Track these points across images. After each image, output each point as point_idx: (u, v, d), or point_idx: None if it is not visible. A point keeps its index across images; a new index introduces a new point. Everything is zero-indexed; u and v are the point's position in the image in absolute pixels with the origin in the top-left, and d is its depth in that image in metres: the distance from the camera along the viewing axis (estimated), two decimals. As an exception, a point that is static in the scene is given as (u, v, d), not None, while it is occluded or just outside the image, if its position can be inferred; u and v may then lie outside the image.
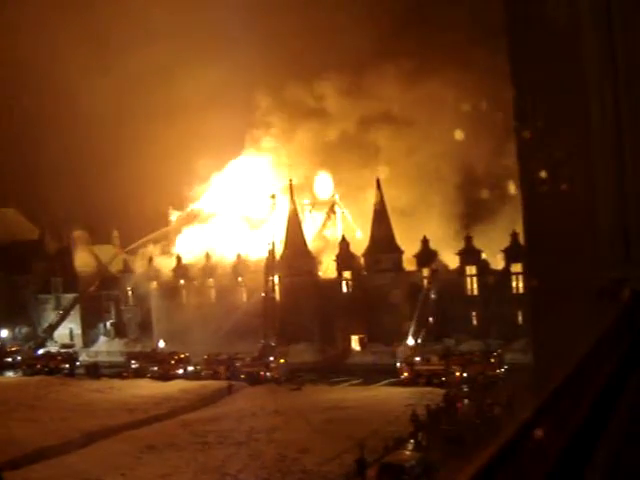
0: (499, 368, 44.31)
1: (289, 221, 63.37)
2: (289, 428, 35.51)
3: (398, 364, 47.65)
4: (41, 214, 77.71)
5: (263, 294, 56.19)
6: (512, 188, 57.93)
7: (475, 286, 57.20)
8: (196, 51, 74.63)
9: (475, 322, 56.29)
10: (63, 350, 64.07)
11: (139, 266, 70.70)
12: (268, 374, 50.17)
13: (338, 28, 69.50)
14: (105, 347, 69.21)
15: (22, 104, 79.77)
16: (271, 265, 56.66)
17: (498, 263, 56.42)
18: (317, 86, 72.61)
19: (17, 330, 73.04)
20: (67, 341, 69.77)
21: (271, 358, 51.47)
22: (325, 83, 72.08)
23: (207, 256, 67.86)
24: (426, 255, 57.88)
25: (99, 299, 72.20)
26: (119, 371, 55.61)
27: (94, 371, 55.76)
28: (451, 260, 58.15)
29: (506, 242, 53.65)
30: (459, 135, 63.50)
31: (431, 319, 52.79)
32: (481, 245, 57.03)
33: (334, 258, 61.96)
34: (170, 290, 67.58)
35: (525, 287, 47.38)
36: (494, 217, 57.69)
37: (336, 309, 59.27)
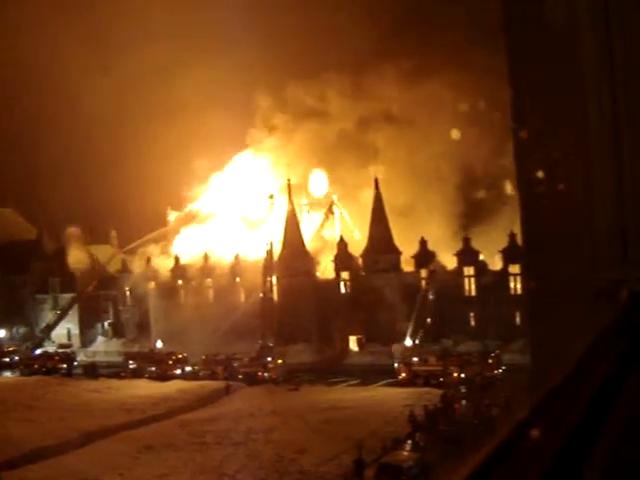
0: (497, 369, 44.32)
1: (287, 221, 63.40)
2: (287, 428, 35.50)
3: (396, 365, 47.65)
4: (39, 214, 77.73)
5: (261, 294, 56.22)
6: (510, 189, 58.10)
7: (473, 287, 57.25)
8: (195, 51, 74.69)
9: (473, 323, 56.35)
10: (61, 350, 64.05)
11: (137, 266, 70.67)
12: (266, 374, 50.15)
13: (338, 28, 69.60)
14: (103, 347, 69.15)
15: (21, 104, 79.83)
16: (269, 265, 56.67)
17: (496, 264, 56.46)
18: (316, 86, 72.67)
19: (15, 330, 72.97)
20: (65, 341, 69.75)
21: (269, 358, 51.47)
22: (324, 83, 72.15)
23: (205, 256, 67.86)
24: (424, 256, 57.91)
25: (97, 299, 72.15)
26: (117, 371, 55.57)
27: (92, 371, 55.71)
28: (449, 261, 58.20)
29: (504, 243, 53.66)
30: (458, 135, 63.56)
31: (429, 320, 52.81)
32: (479, 246, 57.08)
33: (332, 259, 62.00)
34: (168, 290, 67.57)
35: (523, 288, 47.35)
36: (492, 218, 57.76)
37: (334, 310, 59.29)
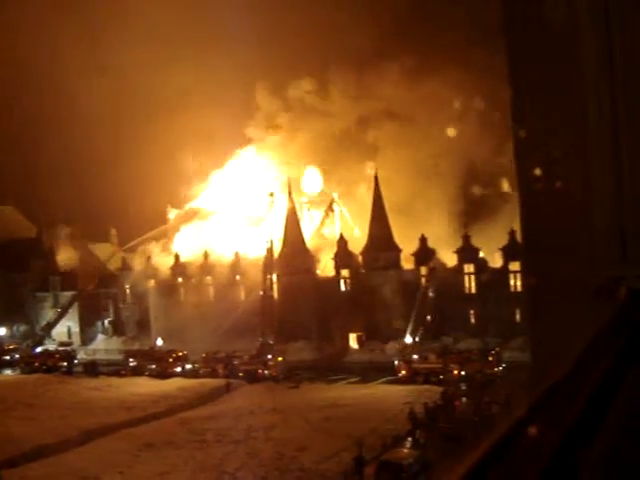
0: (497, 366, 44.32)
1: (287, 219, 63.42)
2: (287, 426, 35.52)
3: (396, 362, 47.68)
4: (39, 212, 77.79)
5: (261, 292, 56.19)
6: (510, 186, 58.14)
7: (473, 284, 57.27)
8: (195, 49, 74.74)
9: (473, 320, 56.39)
10: (61, 348, 64.00)
11: (137, 264, 70.71)
12: (266, 372, 50.17)
13: (339, 26, 69.57)
14: (103, 345, 69.21)
15: (21, 103, 79.82)
16: (269, 263, 56.65)
17: (496, 261, 56.48)
18: (316, 84, 72.69)
19: (15, 328, 73.02)
20: (65, 339, 69.73)
21: (269, 356, 51.47)
22: (325, 81, 72.17)
23: (205, 254, 67.88)
24: (424, 253, 57.93)
25: (97, 297, 72.20)
26: (117, 369, 55.57)
27: (92, 369, 55.72)
28: (449, 258, 58.23)
29: (504, 240, 53.68)
30: (458, 134, 63.59)
31: (429, 317, 52.78)
32: (479, 243, 57.11)
33: (332, 256, 62.02)
34: (168, 288, 67.62)
35: (523, 285, 47.38)
36: (492, 215, 57.85)
37: (334, 307, 59.33)
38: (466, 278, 57.36)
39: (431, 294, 53.57)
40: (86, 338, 70.84)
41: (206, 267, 67.49)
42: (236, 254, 66.24)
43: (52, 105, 79.85)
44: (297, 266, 60.63)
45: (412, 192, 62.65)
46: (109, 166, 75.03)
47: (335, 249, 62.13)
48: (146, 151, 72.55)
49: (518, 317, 50.67)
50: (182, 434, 35.78)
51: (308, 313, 59.40)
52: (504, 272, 54.12)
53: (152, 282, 69.06)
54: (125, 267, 71.91)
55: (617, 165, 5.19)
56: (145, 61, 73.11)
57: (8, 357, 62.43)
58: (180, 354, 54.65)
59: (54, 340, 69.14)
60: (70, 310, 71.11)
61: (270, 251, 56.85)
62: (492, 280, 55.22)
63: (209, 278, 67.43)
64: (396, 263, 59.62)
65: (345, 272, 61.39)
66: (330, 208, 70.95)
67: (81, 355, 63.34)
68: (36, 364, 59.38)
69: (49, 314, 72.22)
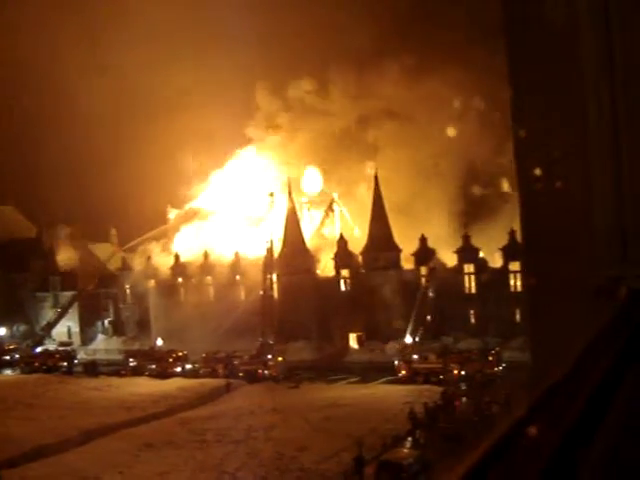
0: (497, 366, 44.34)
1: (287, 219, 63.44)
2: (287, 426, 35.53)
3: (396, 362, 47.68)
4: (39, 212, 77.81)
5: (261, 292, 56.20)
6: (510, 186, 58.13)
7: (473, 284, 57.28)
8: (195, 49, 74.74)
9: (473, 320, 56.40)
10: (61, 348, 63.99)
11: (137, 264, 70.73)
12: (266, 372, 50.18)
13: (338, 26, 69.60)
14: (103, 345, 69.22)
15: (21, 103, 79.83)
16: (269, 263, 56.66)
17: (496, 261, 56.48)
18: (316, 84, 72.70)
19: (15, 328, 73.03)
20: (65, 339, 69.72)
21: (269, 356, 51.49)
22: (325, 81, 72.18)
23: (205, 254, 67.89)
24: (424, 253, 57.94)
25: (97, 297, 72.22)
26: (117, 369, 55.59)
27: (92, 369, 55.73)
28: (449, 258, 58.24)
29: (504, 240, 53.68)
30: (458, 133, 63.60)
31: (429, 317, 52.80)
32: (479, 243, 57.12)
33: (332, 256, 62.03)
34: (168, 288, 67.62)
35: (523, 285, 47.37)
36: (492, 215, 57.85)
37: (334, 307, 59.34)
38: (466, 278, 57.37)
39: (431, 294, 53.58)
40: (86, 338, 70.85)
41: (206, 267, 67.50)
42: (236, 254, 66.25)
43: (52, 105, 79.94)
44: (297, 266, 60.64)
45: (412, 192, 62.66)
46: (109, 166, 75.10)
47: (335, 249, 62.14)
48: (146, 151, 72.60)
49: (518, 317, 50.65)
50: (182, 434, 35.79)
51: (308, 313, 59.40)
52: (504, 272, 54.12)
53: (152, 282, 69.07)
54: (125, 267, 71.93)
55: (617, 165, 5.20)
56: (145, 61, 73.15)
57: (8, 357, 62.43)
58: (180, 354, 54.66)
59: (54, 340, 69.14)
60: (70, 310, 71.13)
61: (270, 251, 56.86)
62: (492, 280, 55.22)
63: (209, 278, 67.43)
64: (396, 263, 59.63)
65: (345, 272, 61.40)
66: (330, 208, 70.98)
67: (81, 355, 63.34)
68: (36, 364, 59.38)
69: (49, 314, 72.23)
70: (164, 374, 52.13)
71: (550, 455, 1.76)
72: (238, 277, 65.39)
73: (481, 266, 56.95)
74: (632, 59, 5.15)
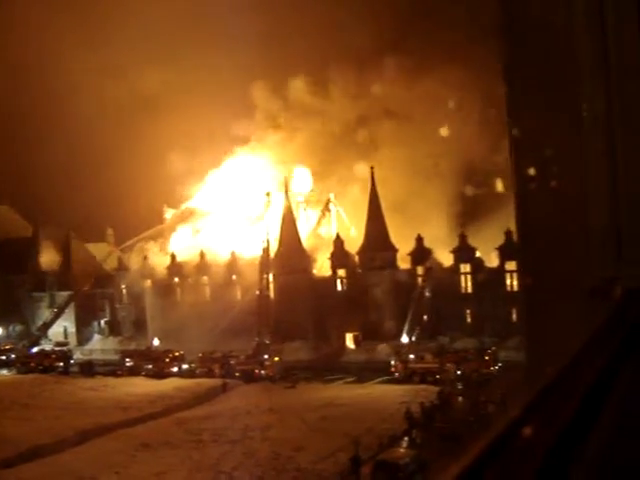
0: (493, 366, 44.42)
1: (284, 219, 63.45)
2: (283, 426, 35.54)
3: (392, 362, 47.72)
4: (35, 211, 77.70)
5: (258, 292, 56.23)
6: (506, 186, 58.17)
7: (469, 284, 57.33)
8: (194, 48, 74.70)
9: (469, 320, 56.44)
10: (57, 348, 64.00)
11: (134, 264, 70.68)
12: (262, 372, 50.19)
13: (338, 25, 69.66)
14: (99, 345, 69.16)
15: (17, 103, 79.67)
16: (266, 263, 56.69)
17: (492, 261, 56.55)
18: (315, 83, 72.68)
19: (11, 328, 72.96)
20: (61, 339, 69.68)
21: (265, 356, 51.50)
22: (323, 80, 72.17)
23: (202, 254, 67.85)
24: (420, 253, 57.99)
25: (93, 297, 72.16)
26: (113, 369, 55.57)
27: (88, 369, 55.69)
28: (445, 258, 58.28)
29: (500, 240, 53.74)
30: (456, 133, 63.63)
31: (425, 317, 52.90)
32: (475, 243, 57.18)
33: (328, 256, 62.04)
34: (164, 288, 67.56)
35: (519, 285, 47.37)
36: (489, 215, 57.84)
37: (330, 307, 59.33)
38: (462, 278, 57.43)
39: (427, 294, 53.68)
40: (82, 338, 70.77)
41: (202, 267, 67.47)
42: (232, 254, 66.22)
43: (48, 105, 79.77)
44: (293, 266, 60.64)
45: (408, 191, 62.69)
46: (106, 165, 75.05)
47: (331, 249, 62.16)
48: (142, 150, 72.56)
49: (514, 316, 50.68)
50: (178, 434, 35.79)
51: (304, 313, 59.40)
52: (500, 272, 54.18)
53: (148, 282, 69.00)
54: (121, 267, 71.88)
55: (612, 164, 5.21)
56: (142, 60, 73.11)
57: (4, 357, 62.36)
58: (177, 354, 54.64)
59: (50, 340, 69.12)
60: (66, 310, 71.09)
61: (266, 251, 56.88)
62: (488, 280, 55.28)
63: (205, 278, 67.40)
64: (392, 263, 59.67)
65: (341, 272, 61.42)
66: (326, 208, 71.00)
67: (77, 355, 63.28)
68: (32, 364, 59.30)
69: (45, 314, 72.18)
70: (160, 374, 52.11)
71: (545, 454, 1.77)
72: (234, 277, 65.35)
73: (477, 266, 57.01)
74: (626, 59, 5.16)
